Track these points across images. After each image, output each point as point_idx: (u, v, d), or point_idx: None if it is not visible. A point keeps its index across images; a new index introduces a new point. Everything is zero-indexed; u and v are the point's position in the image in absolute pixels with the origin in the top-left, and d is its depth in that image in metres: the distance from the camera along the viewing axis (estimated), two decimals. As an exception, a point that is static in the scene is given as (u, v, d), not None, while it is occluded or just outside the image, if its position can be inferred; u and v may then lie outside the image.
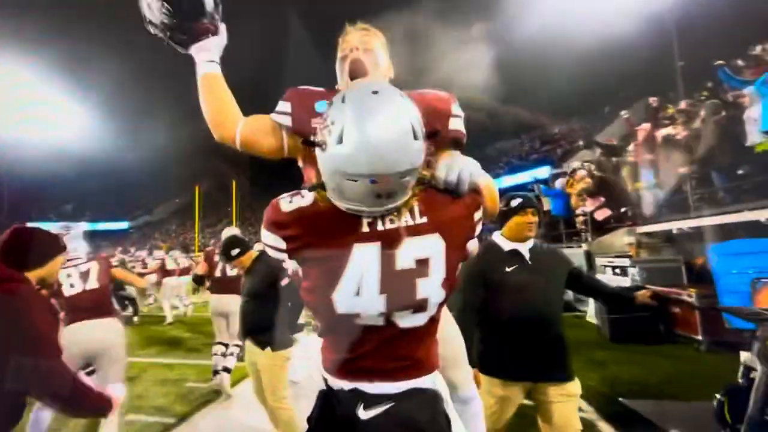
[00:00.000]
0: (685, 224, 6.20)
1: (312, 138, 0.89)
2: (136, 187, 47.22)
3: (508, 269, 1.99)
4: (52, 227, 2.56)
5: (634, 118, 11.62)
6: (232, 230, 5.77)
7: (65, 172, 40.48)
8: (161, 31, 1.31)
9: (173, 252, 10.58)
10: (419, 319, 0.97)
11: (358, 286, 0.90)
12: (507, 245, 2.07)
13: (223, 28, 1.38)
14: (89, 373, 3.36)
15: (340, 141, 0.80)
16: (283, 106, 1.33)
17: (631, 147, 9.03)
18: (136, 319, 9.59)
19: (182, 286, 10.04)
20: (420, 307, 0.95)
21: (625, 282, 6.09)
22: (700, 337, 4.91)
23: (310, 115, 1.30)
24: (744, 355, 2.77)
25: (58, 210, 45.43)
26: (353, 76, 1.33)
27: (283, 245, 0.94)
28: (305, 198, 0.95)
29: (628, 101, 14.95)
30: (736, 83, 6.16)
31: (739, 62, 7.49)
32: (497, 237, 2.14)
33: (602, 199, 8.27)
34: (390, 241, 0.91)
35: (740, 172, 5.94)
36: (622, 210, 8.04)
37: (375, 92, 0.84)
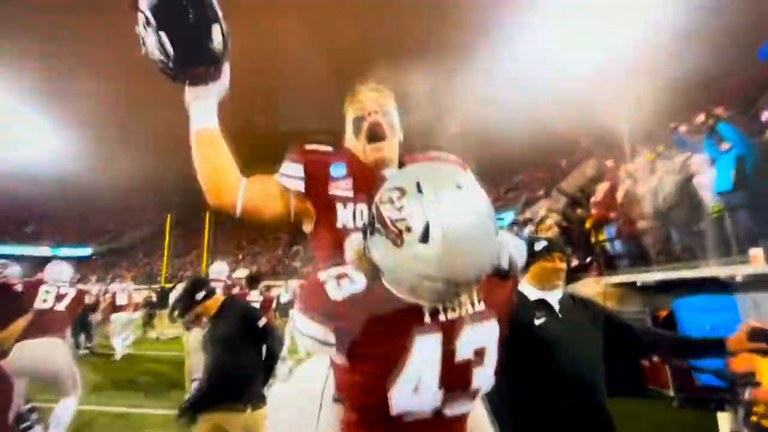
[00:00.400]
0: (648, 277, 6.29)
1: (376, 225, 0.78)
2: (103, 211, 44.72)
3: (536, 322, 1.64)
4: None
5: (593, 172, 12.21)
6: (220, 266, 5.39)
7: (29, 192, 37.98)
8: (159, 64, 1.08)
9: (128, 285, 9.89)
10: (467, 407, 0.91)
11: (417, 382, 0.80)
12: (533, 293, 1.74)
13: (226, 69, 1.15)
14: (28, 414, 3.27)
15: (424, 240, 0.70)
16: (295, 169, 1.20)
17: (592, 200, 9.37)
18: (90, 345, 9.10)
19: (131, 322, 9.53)
20: (472, 396, 0.89)
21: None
22: (671, 393, 4.82)
23: (326, 180, 1.20)
24: (728, 421, 2.66)
25: (18, 231, 42.31)
26: (372, 139, 1.25)
27: (332, 339, 0.80)
28: (356, 282, 0.81)
29: (585, 156, 15.80)
30: (689, 146, 6.50)
31: (683, 128, 8.07)
32: (521, 283, 1.78)
33: (569, 248, 8.39)
34: (451, 331, 0.83)
35: (695, 228, 6.15)
36: (588, 260, 8.17)
37: (459, 187, 0.76)
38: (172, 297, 2.69)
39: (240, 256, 42.23)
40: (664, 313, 5.91)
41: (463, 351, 0.83)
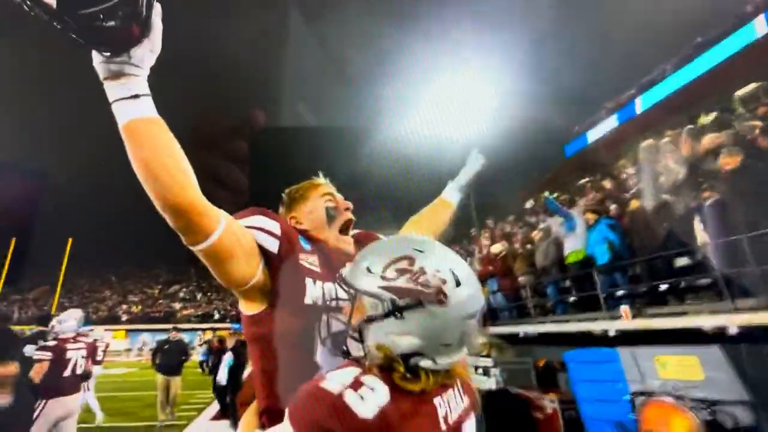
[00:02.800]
0: (531, 329, 6.25)
1: (400, 305, 0.66)
2: None
3: None
4: None
5: (478, 235, 12.89)
6: (74, 313, 3.78)
7: None
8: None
9: None
10: None
11: None
12: None
13: (156, 26, 0.64)
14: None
15: (458, 284, 0.69)
16: (271, 225, 0.90)
17: (477, 255, 9.62)
18: None
19: None
20: None
21: (490, 383, 5.58)
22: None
23: (297, 248, 0.94)
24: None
25: None
26: (346, 231, 1.10)
27: None
28: (379, 391, 0.61)
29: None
30: (560, 211, 6.94)
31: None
32: None
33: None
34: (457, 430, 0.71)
35: (564, 285, 6.40)
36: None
37: (431, 240, 0.77)
38: None
39: (108, 293, 34.06)
40: (541, 363, 5.85)
41: None
